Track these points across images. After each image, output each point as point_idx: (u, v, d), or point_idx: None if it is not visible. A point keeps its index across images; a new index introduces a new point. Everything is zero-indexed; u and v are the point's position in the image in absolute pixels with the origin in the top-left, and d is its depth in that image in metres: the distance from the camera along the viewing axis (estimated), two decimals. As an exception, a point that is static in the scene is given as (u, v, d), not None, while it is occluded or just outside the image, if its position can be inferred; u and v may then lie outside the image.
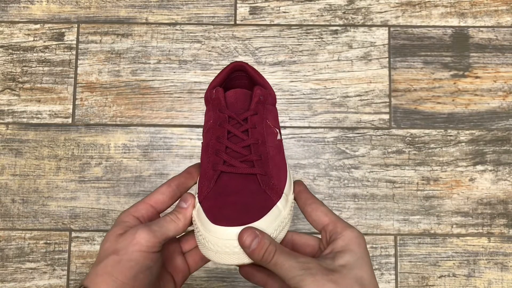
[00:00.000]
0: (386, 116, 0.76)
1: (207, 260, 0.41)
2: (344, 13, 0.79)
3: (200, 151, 0.42)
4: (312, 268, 0.33)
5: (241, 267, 0.40)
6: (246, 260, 0.35)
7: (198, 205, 0.38)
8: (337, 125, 0.76)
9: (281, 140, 0.43)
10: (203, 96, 0.42)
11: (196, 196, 0.40)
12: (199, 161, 0.43)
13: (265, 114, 0.41)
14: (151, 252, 0.35)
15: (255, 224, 0.35)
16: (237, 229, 0.34)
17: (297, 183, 0.42)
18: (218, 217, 0.36)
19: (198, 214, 0.38)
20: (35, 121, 0.76)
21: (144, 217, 0.38)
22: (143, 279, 0.34)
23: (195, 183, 0.41)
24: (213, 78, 0.44)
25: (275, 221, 0.36)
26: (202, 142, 0.42)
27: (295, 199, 0.41)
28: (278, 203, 0.38)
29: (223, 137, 0.39)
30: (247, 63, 0.43)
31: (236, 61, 0.43)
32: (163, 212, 0.40)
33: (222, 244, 0.35)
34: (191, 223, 0.39)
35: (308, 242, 0.39)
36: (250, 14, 0.79)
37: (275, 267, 0.34)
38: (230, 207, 0.36)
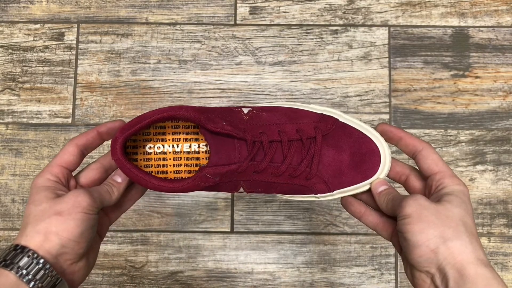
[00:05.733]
0: (386, 116, 0.76)
1: (124, 210, 0.44)
2: (344, 13, 0.79)
3: None
4: (417, 195, 0.36)
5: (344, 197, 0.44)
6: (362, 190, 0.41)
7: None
8: (337, 125, 0.76)
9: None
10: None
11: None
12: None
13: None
14: (92, 214, 0.37)
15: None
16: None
17: (393, 130, 0.41)
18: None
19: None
20: (35, 121, 0.76)
21: (60, 177, 0.39)
22: (87, 236, 0.37)
23: (102, 142, 0.42)
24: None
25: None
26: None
27: (398, 145, 0.42)
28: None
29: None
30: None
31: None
32: (74, 171, 0.41)
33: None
34: (121, 195, 0.41)
35: (415, 185, 0.41)
36: (250, 14, 0.79)
37: (389, 202, 0.38)
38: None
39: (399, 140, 0.40)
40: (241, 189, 0.42)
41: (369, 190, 0.42)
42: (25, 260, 0.34)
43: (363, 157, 0.40)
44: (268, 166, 0.40)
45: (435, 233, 0.34)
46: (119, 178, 0.41)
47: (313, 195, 0.42)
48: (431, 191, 0.38)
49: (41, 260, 0.34)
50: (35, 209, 0.37)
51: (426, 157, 0.39)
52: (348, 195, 0.43)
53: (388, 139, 0.41)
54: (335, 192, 0.41)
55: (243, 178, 0.41)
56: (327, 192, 0.41)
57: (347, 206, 0.43)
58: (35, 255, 0.34)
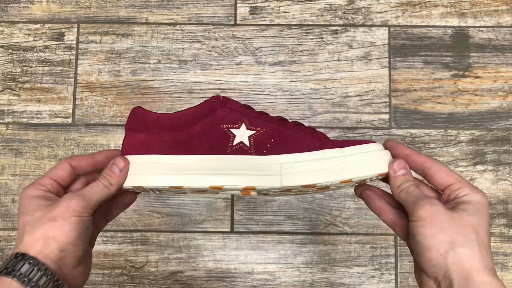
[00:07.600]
0: (386, 116, 0.76)
1: (109, 220, 0.44)
2: (344, 13, 0.79)
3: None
4: (434, 200, 0.36)
5: (364, 190, 0.43)
6: (383, 170, 0.39)
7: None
8: (337, 125, 0.76)
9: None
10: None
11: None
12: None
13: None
14: (86, 217, 0.38)
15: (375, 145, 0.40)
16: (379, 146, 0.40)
17: (399, 146, 0.41)
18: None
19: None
20: (35, 121, 0.76)
21: (50, 188, 0.40)
22: (83, 238, 0.38)
23: (94, 169, 0.42)
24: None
25: None
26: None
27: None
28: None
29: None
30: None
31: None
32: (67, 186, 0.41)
33: (374, 155, 0.40)
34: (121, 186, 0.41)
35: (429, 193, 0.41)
36: (250, 14, 0.79)
37: (404, 192, 0.38)
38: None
39: (406, 157, 0.40)
40: (243, 125, 0.41)
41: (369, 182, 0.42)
42: (26, 267, 0.34)
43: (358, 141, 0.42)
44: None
45: (446, 238, 0.34)
46: (117, 169, 0.40)
47: (321, 151, 0.40)
48: (448, 200, 0.38)
49: (42, 266, 0.34)
50: (30, 218, 0.37)
51: (439, 171, 0.38)
52: (367, 183, 0.41)
53: (396, 155, 0.41)
54: (344, 148, 0.39)
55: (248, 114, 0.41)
56: (334, 148, 0.40)
57: (368, 201, 0.42)
58: (36, 261, 0.35)
